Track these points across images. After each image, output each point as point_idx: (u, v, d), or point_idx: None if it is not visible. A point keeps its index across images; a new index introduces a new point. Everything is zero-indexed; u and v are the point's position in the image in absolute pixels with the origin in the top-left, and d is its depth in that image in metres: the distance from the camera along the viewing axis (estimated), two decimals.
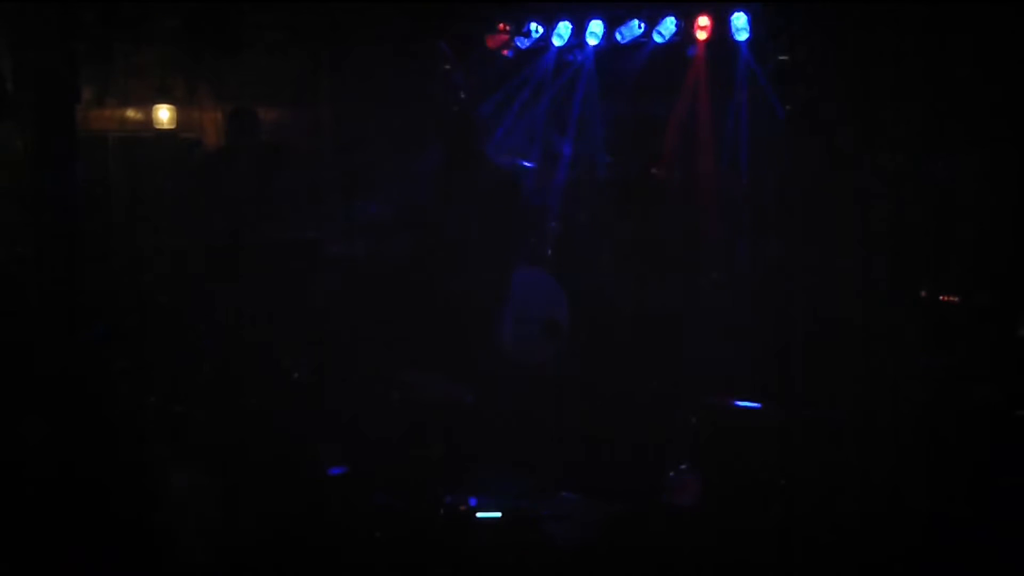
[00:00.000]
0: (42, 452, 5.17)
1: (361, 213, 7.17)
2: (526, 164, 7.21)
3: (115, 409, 5.73)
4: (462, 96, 7.49)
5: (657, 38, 7.27)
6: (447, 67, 8.01)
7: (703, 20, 7.16)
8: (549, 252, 6.98)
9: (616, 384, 6.18)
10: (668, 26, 7.21)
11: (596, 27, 7.44)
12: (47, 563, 4.45)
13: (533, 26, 7.74)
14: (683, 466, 5.63)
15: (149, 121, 8.28)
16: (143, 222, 7.31)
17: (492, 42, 7.97)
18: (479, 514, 5.13)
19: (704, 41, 7.24)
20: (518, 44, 7.85)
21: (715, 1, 7.12)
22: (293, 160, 6.79)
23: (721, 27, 7.12)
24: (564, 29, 7.59)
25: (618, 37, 7.42)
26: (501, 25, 7.87)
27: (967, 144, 6.34)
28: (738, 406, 5.69)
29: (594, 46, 7.56)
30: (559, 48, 7.73)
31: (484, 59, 7.93)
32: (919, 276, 6.13)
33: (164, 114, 8.25)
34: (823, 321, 6.20)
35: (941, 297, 5.99)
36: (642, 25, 7.30)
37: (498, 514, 5.16)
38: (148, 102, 8.21)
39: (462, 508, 5.17)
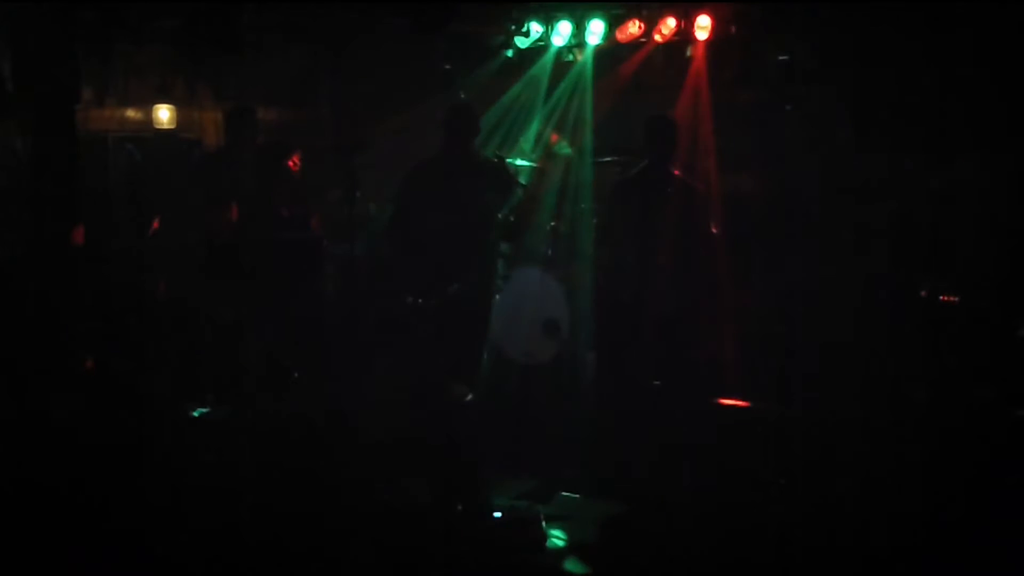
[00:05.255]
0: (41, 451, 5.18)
1: (361, 213, 7.14)
2: (525, 163, 7.20)
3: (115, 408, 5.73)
4: (462, 96, 7.49)
5: (657, 37, 7.30)
6: (447, 67, 8.01)
7: (703, 20, 7.17)
8: (549, 252, 6.96)
9: (618, 384, 6.18)
10: (669, 25, 7.24)
11: (596, 26, 7.45)
12: (47, 563, 4.45)
13: (533, 26, 7.74)
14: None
15: (149, 121, 8.29)
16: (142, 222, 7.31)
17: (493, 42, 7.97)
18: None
19: (704, 41, 7.26)
20: (518, 44, 7.85)
21: (721, 1, 7.13)
22: (293, 159, 6.77)
23: (721, 26, 7.14)
24: (564, 28, 7.59)
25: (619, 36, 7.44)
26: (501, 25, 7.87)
27: (968, 145, 6.34)
28: (737, 406, 5.68)
29: (595, 45, 7.57)
30: (559, 47, 7.73)
31: (484, 58, 7.93)
32: (919, 276, 6.13)
33: (164, 114, 8.25)
34: (824, 321, 6.20)
35: (941, 297, 6.00)
36: (641, 25, 7.32)
37: (498, 514, 5.16)
38: (148, 102, 8.22)
39: (461, 508, 5.18)
